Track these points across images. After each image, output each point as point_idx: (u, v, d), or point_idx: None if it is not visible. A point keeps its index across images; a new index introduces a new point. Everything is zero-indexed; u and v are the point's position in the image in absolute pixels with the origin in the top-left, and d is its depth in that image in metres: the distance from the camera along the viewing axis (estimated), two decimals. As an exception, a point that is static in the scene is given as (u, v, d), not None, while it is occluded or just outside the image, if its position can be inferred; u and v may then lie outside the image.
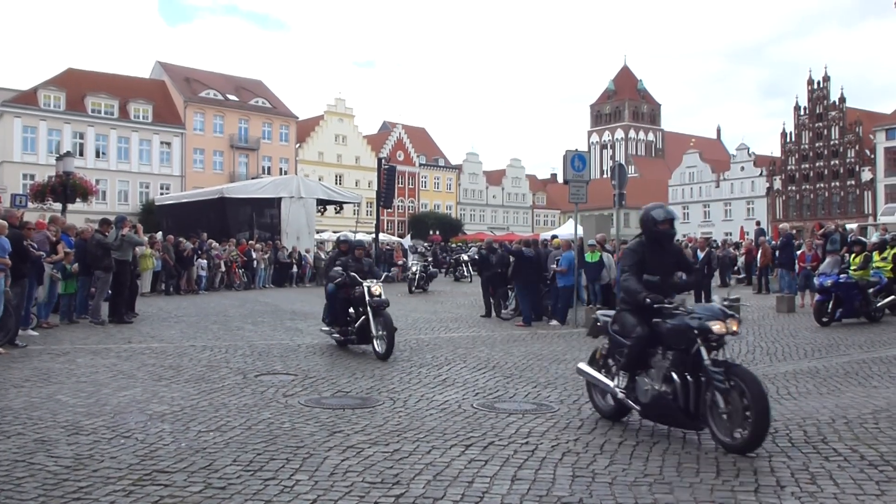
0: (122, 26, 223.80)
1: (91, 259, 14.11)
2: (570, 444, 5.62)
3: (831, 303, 13.79)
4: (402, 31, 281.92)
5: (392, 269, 33.19)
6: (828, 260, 15.13)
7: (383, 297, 10.27)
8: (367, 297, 10.16)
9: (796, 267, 18.84)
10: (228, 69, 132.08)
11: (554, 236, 20.18)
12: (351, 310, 10.64)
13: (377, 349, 9.91)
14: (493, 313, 16.25)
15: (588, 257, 14.67)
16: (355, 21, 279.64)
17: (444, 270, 36.76)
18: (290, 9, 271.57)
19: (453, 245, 45.75)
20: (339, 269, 10.85)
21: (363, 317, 10.21)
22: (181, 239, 23.67)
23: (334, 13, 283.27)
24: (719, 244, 33.26)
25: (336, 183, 63.53)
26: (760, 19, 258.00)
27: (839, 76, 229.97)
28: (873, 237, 19.71)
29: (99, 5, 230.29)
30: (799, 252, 19.30)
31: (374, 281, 10.50)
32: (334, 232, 49.00)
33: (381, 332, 9.93)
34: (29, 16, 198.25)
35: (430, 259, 32.14)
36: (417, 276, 24.99)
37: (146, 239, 18.76)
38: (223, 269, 25.31)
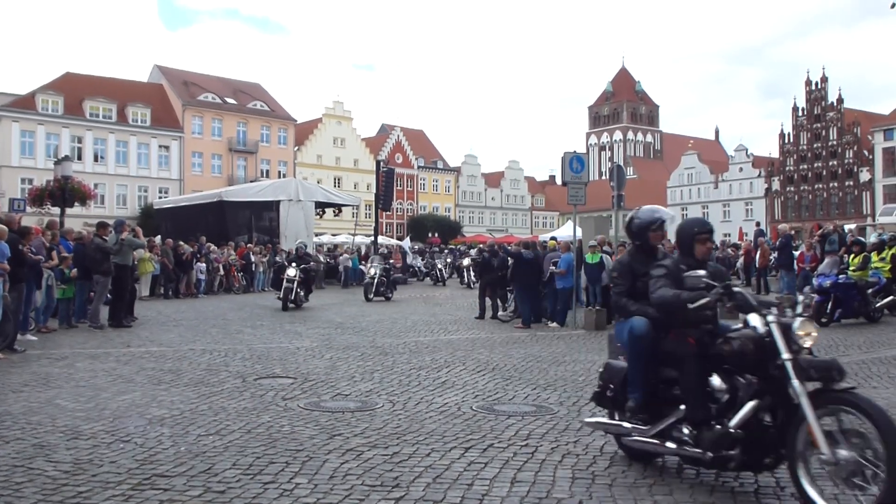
0: (121, 31, 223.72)
1: (90, 263, 14.10)
2: (569, 446, 5.62)
3: (830, 303, 13.80)
4: (401, 33, 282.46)
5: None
6: (826, 260, 15.16)
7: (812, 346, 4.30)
8: (782, 354, 4.18)
9: (795, 267, 18.86)
10: (228, 73, 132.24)
11: (553, 238, 20.17)
12: (717, 381, 4.53)
13: None
14: (488, 314, 16.26)
15: (589, 258, 14.67)
16: (355, 24, 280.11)
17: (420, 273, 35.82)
18: (291, 12, 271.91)
19: (459, 248, 45.46)
20: (700, 274, 4.62)
21: (758, 399, 4.30)
22: (180, 242, 23.66)
23: (334, 16, 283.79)
24: (718, 245, 33.27)
25: (335, 186, 63.62)
26: (759, 20, 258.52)
27: (839, 77, 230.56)
28: (871, 237, 19.73)
29: (98, 10, 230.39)
30: (798, 253, 19.33)
31: (794, 310, 4.47)
32: (333, 235, 49.08)
33: (845, 455, 3.94)
34: (28, 21, 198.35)
35: (392, 262, 28.35)
36: (376, 282, 22.09)
37: (143, 241, 18.71)
38: (222, 272, 25.31)
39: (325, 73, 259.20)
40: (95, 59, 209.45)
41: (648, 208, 5.48)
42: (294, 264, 19.13)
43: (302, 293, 19.04)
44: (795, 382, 4.09)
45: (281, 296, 18.49)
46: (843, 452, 3.93)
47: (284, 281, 18.61)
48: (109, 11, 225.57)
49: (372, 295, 21.84)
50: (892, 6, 10.49)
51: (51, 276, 13.11)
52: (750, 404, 4.30)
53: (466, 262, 30.71)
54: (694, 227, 5.04)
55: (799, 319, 4.31)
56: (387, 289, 22.61)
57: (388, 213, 51.01)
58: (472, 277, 28.79)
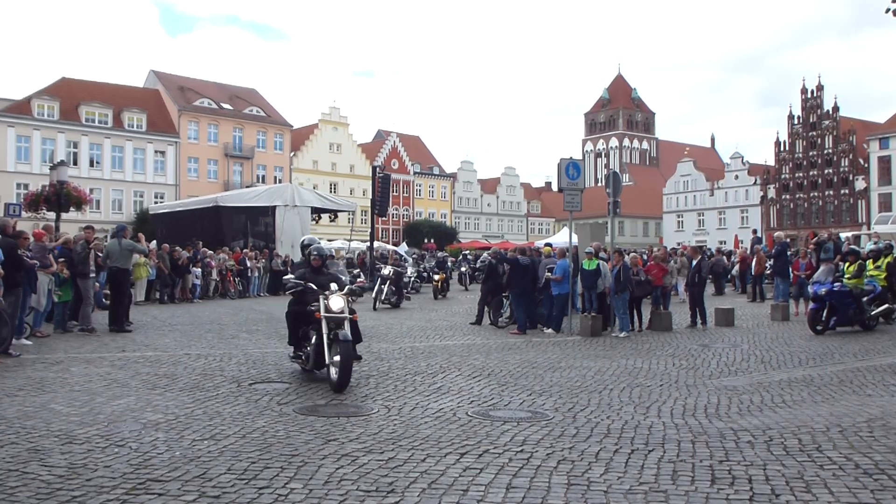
0: (123, 37, 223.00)
1: (76, 266, 14.16)
2: (565, 452, 5.62)
3: (825, 311, 13.83)
4: (401, 40, 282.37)
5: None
6: (822, 268, 15.18)
7: None
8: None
9: (790, 275, 18.90)
10: (226, 78, 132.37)
11: (548, 244, 20.20)
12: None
13: None
14: (485, 321, 16.24)
15: (585, 265, 14.69)
16: (356, 31, 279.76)
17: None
18: (291, 19, 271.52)
19: (452, 253, 45.44)
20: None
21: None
22: (176, 247, 23.64)
23: (334, 23, 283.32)
24: (713, 252, 33.34)
25: (330, 191, 63.77)
26: (758, 30, 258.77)
27: (837, 86, 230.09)
28: (867, 246, 19.78)
29: (99, 16, 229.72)
30: (793, 260, 19.38)
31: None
32: (329, 240, 49.10)
33: None
34: (27, 26, 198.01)
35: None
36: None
37: (146, 247, 18.68)
38: (217, 277, 25.28)
39: (324, 79, 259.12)
40: (95, 66, 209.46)
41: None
42: (335, 286, 8.96)
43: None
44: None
45: (319, 359, 8.61)
46: None
47: (325, 325, 8.49)
48: (111, 18, 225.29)
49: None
50: (887, 10, 10.51)
51: (51, 280, 13.13)
52: None
53: (387, 271, 22.00)
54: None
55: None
56: None
57: (383, 218, 51.01)
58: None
